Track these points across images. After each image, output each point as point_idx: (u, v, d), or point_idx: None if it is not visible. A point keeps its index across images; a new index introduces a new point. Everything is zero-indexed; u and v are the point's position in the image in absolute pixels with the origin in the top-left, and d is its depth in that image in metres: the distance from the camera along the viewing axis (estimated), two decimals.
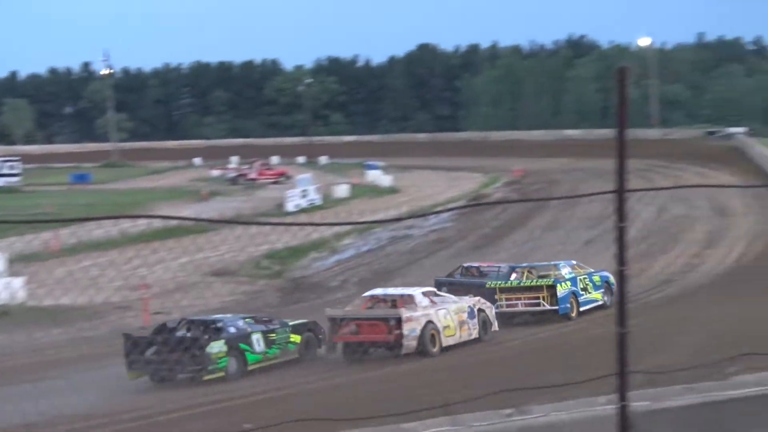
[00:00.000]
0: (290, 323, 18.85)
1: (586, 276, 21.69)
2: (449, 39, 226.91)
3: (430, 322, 17.91)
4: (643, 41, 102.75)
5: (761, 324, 16.63)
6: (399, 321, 17.50)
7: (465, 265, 23.60)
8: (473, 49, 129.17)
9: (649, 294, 23.10)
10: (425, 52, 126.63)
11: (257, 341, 17.98)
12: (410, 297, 18.37)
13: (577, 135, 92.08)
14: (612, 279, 21.41)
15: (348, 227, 35.99)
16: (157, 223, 32.88)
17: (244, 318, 18.63)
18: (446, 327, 18.27)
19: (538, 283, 20.94)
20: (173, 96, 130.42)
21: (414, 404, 6.87)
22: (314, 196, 47.12)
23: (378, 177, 60.65)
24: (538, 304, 20.72)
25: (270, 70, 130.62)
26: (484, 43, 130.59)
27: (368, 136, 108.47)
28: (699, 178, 48.80)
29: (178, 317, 19.69)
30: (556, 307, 20.56)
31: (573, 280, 21.14)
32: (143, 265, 28.35)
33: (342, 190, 51.10)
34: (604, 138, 79.08)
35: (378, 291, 19.65)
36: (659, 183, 46.12)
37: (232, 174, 66.72)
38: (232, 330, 17.84)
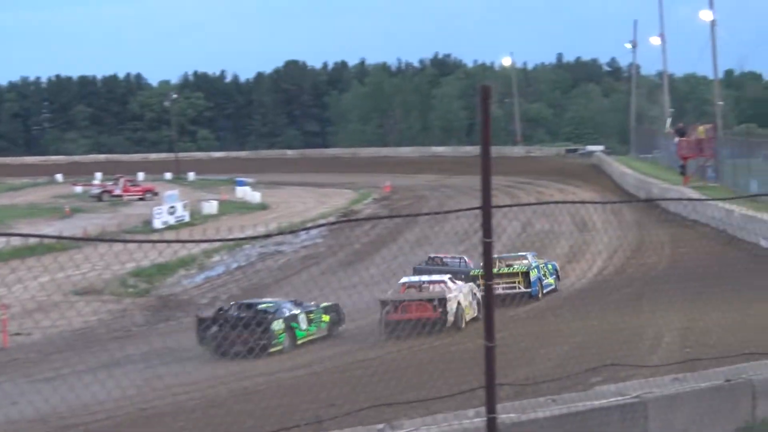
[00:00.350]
0: (321, 305, 21.64)
1: (543, 264, 25.41)
2: (317, 56, 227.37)
3: (459, 302, 21.45)
4: (506, 61, 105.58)
5: (622, 335, 17.20)
6: (443, 301, 20.97)
7: (431, 255, 26.47)
8: (341, 65, 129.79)
9: (516, 307, 23.60)
10: (293, 69, 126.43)
11: (303, 320, 21.04)
12: (443, 282, 21.81)
13: (444, 152, 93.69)
14: (558, 267, 26.35)
15: (217, 244, 35.53)
16: (16, 241, 31.66)
17: (289, 301, 21.50)
18: (466, 307, 21.74)
19: (514, 270, 24.45)
20: (32, 110, 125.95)
21: (288, 420, 6.84)
22: (182, 213, 46.36)
23: (247, 193, 60.14)
24: (515, 287, 24.02)
25: (134, 85, 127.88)
26: (352, 61, 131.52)
27: (237, 152, 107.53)
28: (561, 194, 50.37)
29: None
30: (529, 290, 24.07)
31: (537, 268, 24.64)
32: (0, 285, 27.24)
33: (210, 207, 50.45)
34: (470, 155, 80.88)
35: (408, 279, 22.88)
36: (523, 199, 47.28)
37: (97, 190, 64.91)
38: (286, 311, 20.79)
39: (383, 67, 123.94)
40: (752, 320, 14.02)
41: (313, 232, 38.48)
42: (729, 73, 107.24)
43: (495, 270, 21.25)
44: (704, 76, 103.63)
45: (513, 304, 22.90)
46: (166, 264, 31.81)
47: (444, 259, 26.33)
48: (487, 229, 5.87)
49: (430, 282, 22.22)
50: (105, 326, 24.83)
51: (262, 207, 54.79)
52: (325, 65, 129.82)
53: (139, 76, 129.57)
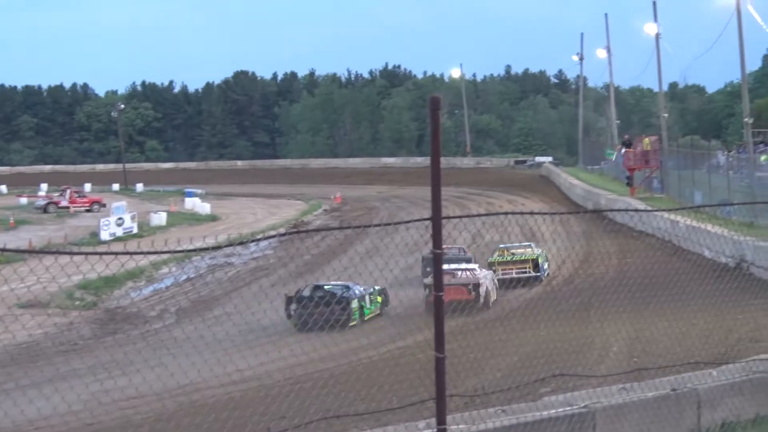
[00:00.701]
0: (376, 288, 24.50)
1: (542, 252, 28.68)
2: (266, 66, 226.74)
3: (486, 287, 25.02)
4: (455, 72, 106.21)
5: (570, 345, 17.33)
6: (477, 285, 24.59)
7: None
8: (291, 76, 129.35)
9: (465, 318, 23.68)
10: (242, 79, 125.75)
11: (367, 300, 24.47)
12: (474, 270, 25.30)
13: (395, 163, 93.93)
14: (547, 254, 29.14)
15: (165, 256, 35.20)
16: None
17: (354, 284, 24.41)
18: (491, 290, 25.30)
19: (525, 257, 28.08)
20: None
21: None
22: (130, 224, 45.89)
23: (197, 204, 59.72)
24: (526, 272, 27.80)
25: (81, 95, 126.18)
26: (302, 71, 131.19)
27: (186, 163, 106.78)
28: (510, 205, 50.71)
29: None
30: (538, 274, 27.90)
31: (540, 255, 28.23)
32: None
33: (159, 218, 50.01)
34: (420, 166, 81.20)
35: (446, 267, 25.47)
36: (473, 210, 47.57)
37: (43, 201, 63.86)
38: (357, 292, 24.13)
39: (333, 78, 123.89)
40: (697, 330, 14.22)
41: (263, 243, 38.29)
42: (673, 85, 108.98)
43: (510, 258, 26.32)
44: (649, 88, 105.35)
45: (520, 286, 26.81)
46: (113, 276, 31.40)
47: (446, 249, 28.18)
48: (437, 240, 5.89)
49: (462, 269, 25.60)
50: (51, 340, 24.44)
51: (212, 218, 54.43)
52: (274, 76, 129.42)
53: (85, 86, 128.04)
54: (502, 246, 28.49)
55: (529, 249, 28.42)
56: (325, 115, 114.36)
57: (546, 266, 28.88)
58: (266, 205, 62.64)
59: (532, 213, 8.40)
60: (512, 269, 27.97)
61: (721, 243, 22.39)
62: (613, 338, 17.94)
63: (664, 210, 26.21)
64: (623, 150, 47.10)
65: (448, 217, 6.20)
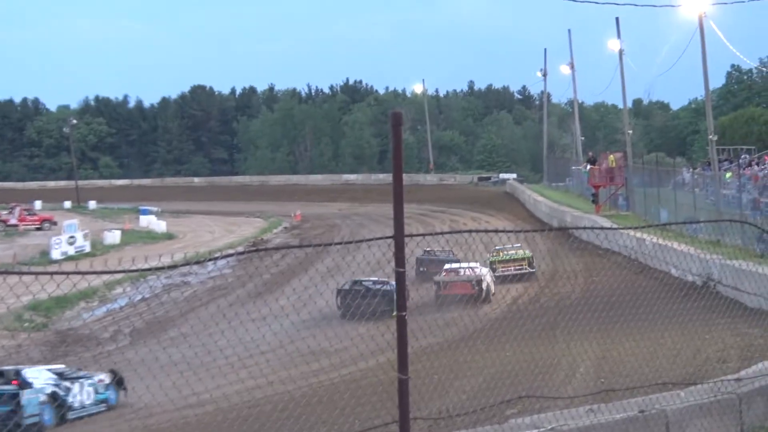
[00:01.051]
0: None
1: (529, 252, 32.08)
2: (224, 81, 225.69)
3: (487, 282, 27.93)
4: (417, 88, 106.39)
5: (536, 366, 16.94)
6: (480, 281, 27.57)
7: (426, 249, 30.72)
8: (249, 91, 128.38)
9: (427, 339, 23.21)
10: (200, 94, 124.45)
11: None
12: (476, 268, 27.75)
13: (356, 179, 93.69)
14: None
15: (119, 275, 34.42)
16: None
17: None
18: (490, 285, 28.30)
19: (522, 256, 31.92)
20: None
21: None
22: (83, 243, 45.09)
23: (152, 222, 58.97)
24: (523, 269, 31.53)
25: (31, 110, 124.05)
26: (260, 86, 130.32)
27: (141, 179, 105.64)
28: (474, 223, 50.60)
29: None
30: (533, 270, 31.43)
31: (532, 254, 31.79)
32: None
33: (113, 237, 49.29)
34: (382, 182, 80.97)
35: (450, 266, 29.04)
36: (437, 227, 47.33)
37: None
38: (390, 287, 25.63)
39: (293, 94, 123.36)
40: (665, 350, 13.99)
41: (221, 262, 37.61)
42: (638, 102, 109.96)
43: (508, 258, 33.60)
44: (614, 104, 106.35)
45: (516, 281, 29.93)
46: (64, 297, 30.69)
47: (436, 252, 31.31)
48: (399, 258, 5.51)
49: (465, 267, 28.20)
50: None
51: (168, 236, 53.75)
52: (233, 91, 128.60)
53: (36, 101, 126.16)
54: (497, 248, 30.40)
55: (522, 249, 31.67)
56: (284, 130, 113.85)
57: (534, 263, 32.01)
58: (224, 222, 62.08)
59: (496, 231, 8.05)
60: (511, 267, 31.68)
61: (688, 261, 22.19)
62: (580, 359, 17.60)
63: (630, 228, 25.89)
64: (588, 167, 47.10)
65: (411, 235, 5.81)
